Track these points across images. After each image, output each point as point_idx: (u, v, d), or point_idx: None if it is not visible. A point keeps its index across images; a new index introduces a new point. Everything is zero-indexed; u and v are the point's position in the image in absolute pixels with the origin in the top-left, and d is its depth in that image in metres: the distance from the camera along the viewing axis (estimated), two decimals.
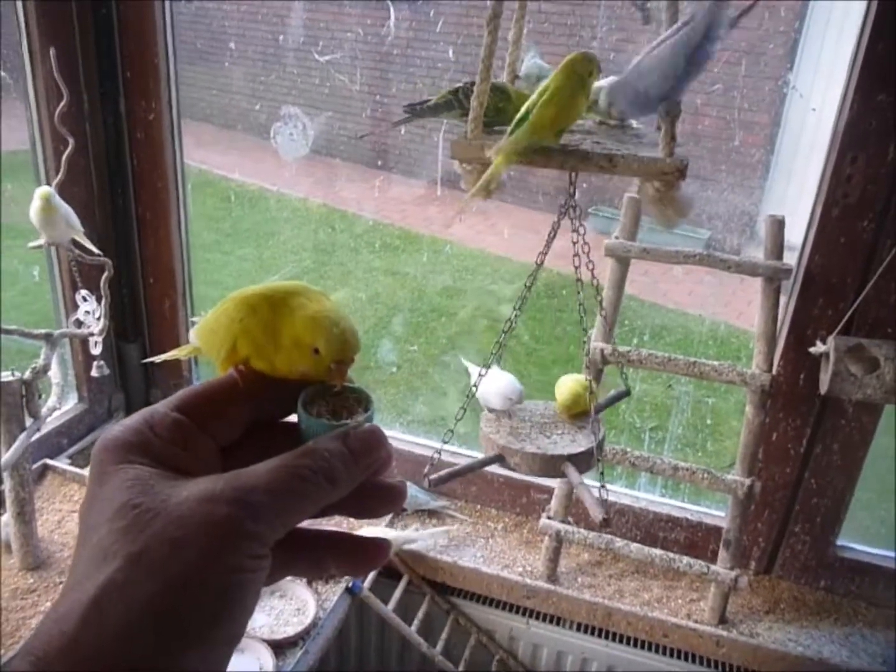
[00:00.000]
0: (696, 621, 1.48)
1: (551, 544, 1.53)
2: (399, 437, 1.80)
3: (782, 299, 1.35)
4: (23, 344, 1.39)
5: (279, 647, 1.37)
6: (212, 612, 0.32)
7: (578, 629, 1.57)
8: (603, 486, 1.02)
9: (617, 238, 1.39)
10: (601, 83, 0.97)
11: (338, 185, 3.39)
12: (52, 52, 1.31)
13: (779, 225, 1.31)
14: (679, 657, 1.51)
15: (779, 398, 1.43)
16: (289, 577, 1.48)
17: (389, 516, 1.67)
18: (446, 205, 3.05)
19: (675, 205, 0.90)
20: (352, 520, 1.50)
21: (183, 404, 0.39)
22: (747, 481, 1.37)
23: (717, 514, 1.60)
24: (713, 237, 2.20)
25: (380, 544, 0.41)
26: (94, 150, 1.64)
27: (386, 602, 1.53)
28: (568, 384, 1.16)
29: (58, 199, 1.27)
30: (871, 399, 1.27)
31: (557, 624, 1.58)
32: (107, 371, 1.47)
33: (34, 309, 2.12)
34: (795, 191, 1.39)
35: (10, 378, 1.28)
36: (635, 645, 1.53)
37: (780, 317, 1.36)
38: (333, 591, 1.48)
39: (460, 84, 0.98)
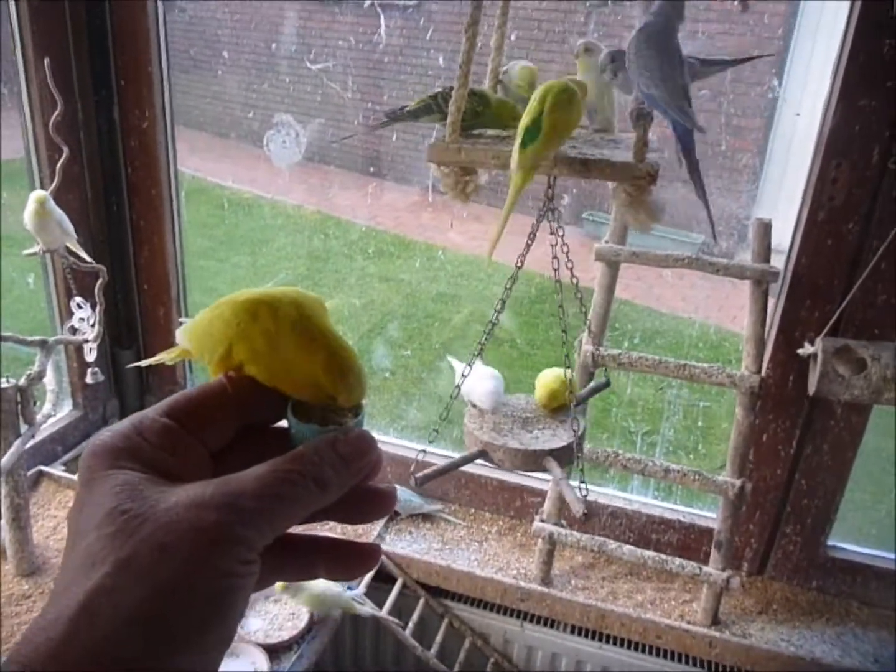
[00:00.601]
0: (688, 622, 1.49)
1: (545, 547, 1.54)
2: (393, 442, 1.81)
3: (771, 302, 1.37)
4: (18, 351, 1.39)
5: (274, 651, 1.37)
6: (201, 617, 0.32)
7: (573, 631, 1.58)
8: (582, 481, 1.04)
9: (607, 242, 1.40)
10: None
11: (331, 193, 3.40)
12: (46, 61, 1.32)
13: (766, 228, 1.32)
14: (672, 658, 1.52)
15: (768, 400, 1.45)
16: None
17: (382, 521, 1.68)
18: (439, 211, 3.06)
19: (646, 209, 0.92)
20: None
21: (172, 410, 0.39)
22: (738, 482, 1.38)
23: (709, 515, 1.61)
24: (707, 242, 2.21)
25: (371, 548, 0.42)
26: (89, 157, 1.65)
27: (380, 605, 1.53)
28: (546, 380, 1.18)
29: (52, 204, 1.28)
30: (859, 399, 1.28)
31: (552, 626, 1.59)
32: (101, 378, 1.48)
33: (29, 317, 2.12)
34: (787, 195, 1.41)
35: (6, 385, 1.28)
36: (629, 647, 1.54)
37: (768, 319, 1.37)
38: None
39: (439, 89, 1.00)
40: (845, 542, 1.56)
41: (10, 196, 1.85)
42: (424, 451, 1.10)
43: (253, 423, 0.42)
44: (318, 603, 1.40)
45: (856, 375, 1.28)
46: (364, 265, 3.34)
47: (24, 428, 1.32)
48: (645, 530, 1.64)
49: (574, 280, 1.04)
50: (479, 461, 1.13)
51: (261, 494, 0.34)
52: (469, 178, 0.96)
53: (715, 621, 1.48)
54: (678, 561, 1.44)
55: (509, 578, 1.56)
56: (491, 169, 0.95)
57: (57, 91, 1.30)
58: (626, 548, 1.47)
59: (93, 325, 1.38)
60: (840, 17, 1.22)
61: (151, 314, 1.83)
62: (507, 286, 1.04)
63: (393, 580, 1.60)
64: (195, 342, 0.47)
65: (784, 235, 1.39)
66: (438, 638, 1.58)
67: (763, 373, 1.38)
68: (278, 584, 1.33)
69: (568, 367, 1.09)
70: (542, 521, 1.53)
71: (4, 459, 1.27)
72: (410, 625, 1.55)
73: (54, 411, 1.43)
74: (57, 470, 1.69)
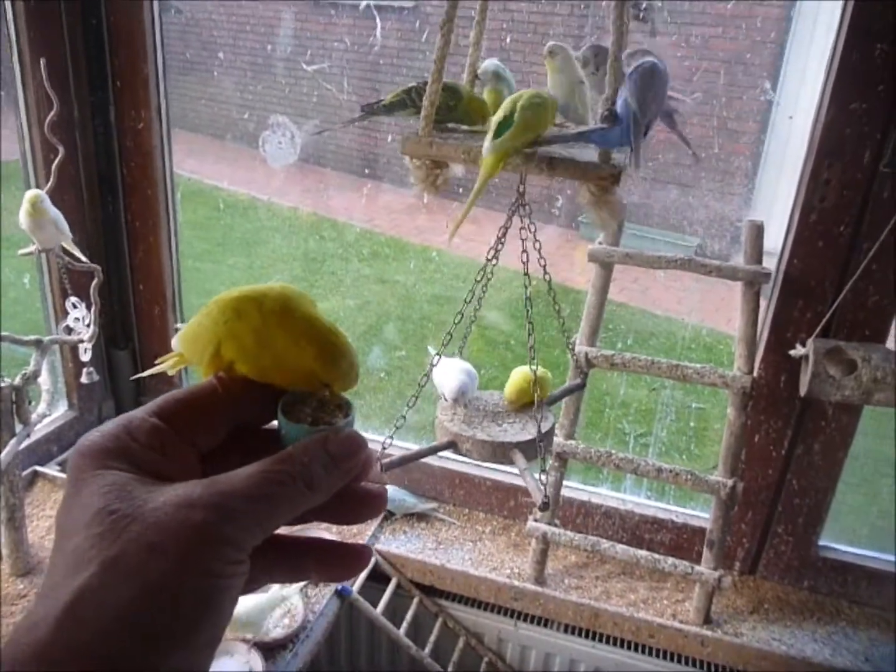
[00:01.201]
0: (681, 622, 1.50)
1: (538, 546, 1.55)
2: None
3: (763, 303, 1.38)
4: (14, 351, 1.40)
5: (268, 650, 1.38)
6: (189, 617, 0.32)
7: (566, 631, 1.58)
8: (543, 471, 1.06)
9: (600, 244, 1.41)
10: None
11: (327, 194, 3.41)
12: (42, 62, 1.32)
13: (758, 230, 1.33)
14: (665, 657, 1.52)
15: (760, 400, 1.46)
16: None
17: (377, 521, 1.69)
18: (434, 213, 3.07)
19: (609, 207, 0.93)
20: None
21: (162, 410, 0.39)
22: (730, 482, 1.39)
23: (702, 515, 1.62)
24: (701, 245, 2.23)
25: (361, 549, 0.42)
26: (84, 158, 1.66)
27: (375, 605, 1.54)
28: (515, 377, 1.20)
29: (47, 203, 1.29)
30: (850, 400, 1.29)
31: (545, 626, 1.60)
32: (96, 378, 1.48)
33: (25, 317, 2.13)
34: (782, 198, 1.42)
35: (1, 385, 1.29)
36: (622, 646, 1.55)
37: (760, 320, 1.38)
38: (323, 594, 1.49)
39: (413, 84, 1.01)
40: (837, 543, 1.57)
41: (7, 198, 1.85)
42: (391, 437, 1.12)
43: (244, 424, 0.42)
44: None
45: (846, 376, 1.29)
46: (359, 267, 3.35)
47: (19, 428, 1.32)
48: (638, 530, 1.64)
49: (546, 277, 1.06)
50: (451, 455, 1.14)
51: (250, 494, 0.34)
52: (439, 172, 0.98)
53: (707, 620, 1.49)
54: (671, 560, 1.45)
55: (503, 578, 1.57)
56: (461, 163, 0.96)
57: (53, 92, 1.30)
58: (620, 547, 1.48)
59: (88, 325, 1.38)
60: (835, 22, 1.23)
61: (147, 314, 1.83)
62: (477, 278, 1.06)
63: (387, 580, 1.61)
64: (187, 346, 0.47)
65: (779, 238, 1.40)
66: (432, 637, 1.58)
67: (755, 373, 1.39)
68: None
69: (532, 359, 1.10)
70: (536, 520, 1.53)
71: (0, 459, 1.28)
72: (404, 624, 1.56)
73: (49, 411, 1.43)
74: (52, 470, 1.69)
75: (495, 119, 0.90)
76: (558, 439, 1.47)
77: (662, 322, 2.69)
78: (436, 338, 2.93)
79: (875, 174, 1.25)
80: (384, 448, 1.11)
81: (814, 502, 1.51)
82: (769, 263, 1.39)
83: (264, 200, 3.49)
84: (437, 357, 1.12)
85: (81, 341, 1.39)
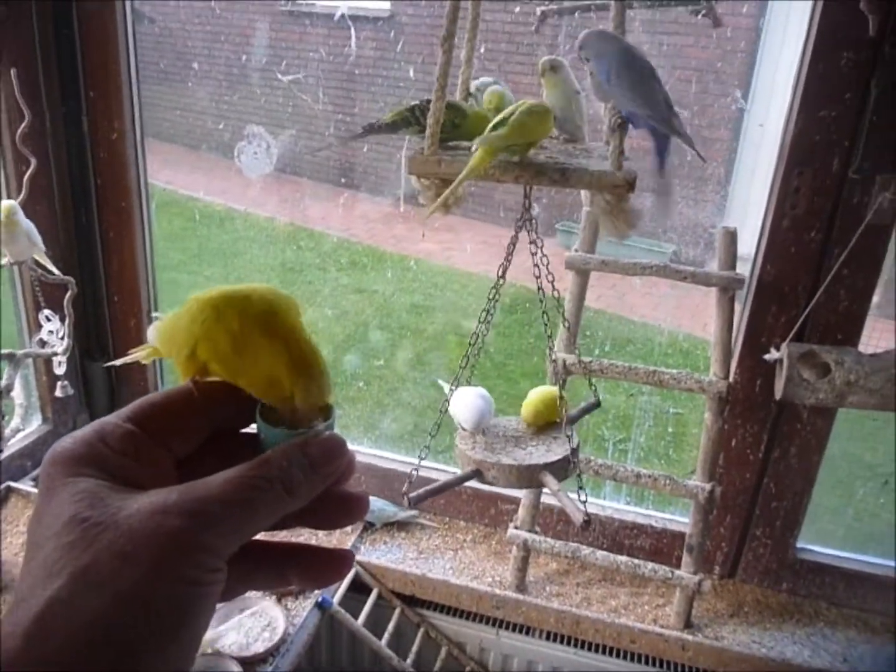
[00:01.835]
0: (662, 626, 1.50)
1: (519, 554, 1.55)
2: (368, 452, 1.81)
3: (738, 308, 1.39)
4: None
5: (249, 664, 1.36)
6: (164, 627, 0.31)
7: (548, 638, 1.58)
8: (581, 489, 1.05)
9: (577, 251, 1.42)
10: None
11: (304, 204, 3.40)
12: (13, 72, 1.31)
13: (731, 237, 1.35)
14: (646, 662, 1.53)
15: (736, 405, 1.47)
16: (258, 594, 1.48)
17: (357, 532, 1.68)
18: (411, 221, 3.07)
19: (625, 217, 0.93)
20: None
21: (137, 415, 0.38)
22: (708, 486, 1.40)
23: (681, 520, 1.63)
24: (678, 251, 2.25)
25: (343, 554, 0.41)
26: (57, 169, 1.64)
27: (356, 616, 1.53)
28: (532, 398, 1.19)
29: (20, 215, 1.27)
30: (824, 403, 1.31)
31: (527, 634, 1.59)
32: (71, 391, 1.47)
33: None
34: (756, 204, 1.44)
35: None
36: (603, 652, 1.55)
37: (735, 325, 1.40)
38: (303, 607, 1.48)
39: (416, 102, 1.01)
40: (814, 545, 1.59)
41: None
42: (417, 470, 1.10)
43: (221, 429, 0.41)
44: None
45: (820, 380, 1.30)
46: (337, 276, 3.34)
47: None
48: (618, 535, 1.65)
49: (555, 293, 1.04)
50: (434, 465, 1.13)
51: (227, 500, 0.34)
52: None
53: (688, 625, 1.50)
54: (651, 565, 1.46)
55: (484, 586, 1.57)
56: (471, 180, 0.96)
57: (24, 103, 1.29)
58: (600, 553, 1.49)
59: (62, 338, 1.37)
60: (804, 32, 1.25)
61: (122, 326, 1.82)
62: (490, 296, 1.04)
63: (368, 591, 1.60)
64: (164, 340, 0.46)
65: (753, 243, 1.41)
66: (415, 647, 1.58)
67: (731, 378, 1.40)
68: None
69: (558, 384, 1.09)
70: (517, 528, 1.54)
71: None
72: (386, 635, 1.55)
73: (23, 426, 1.41)
74: (26, 486, 1.67)
75: (494, 120, 0.90)
76: None
77: (639, 328, 2.70)
78: (415, 347, 2.93)
79: (844, 181, 1.27)
80: (410, 481, 1.09)
81: (791, 505, 1.53)
82: (744, 269, 1.40)
83: (241, 211, 3.48)
84: (455, 388, 1.10)
85: (55, 354, 1.38)
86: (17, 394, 1.37)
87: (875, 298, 1.38)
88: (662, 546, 1.63)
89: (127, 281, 1.78)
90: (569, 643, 1.57)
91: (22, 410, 1.40)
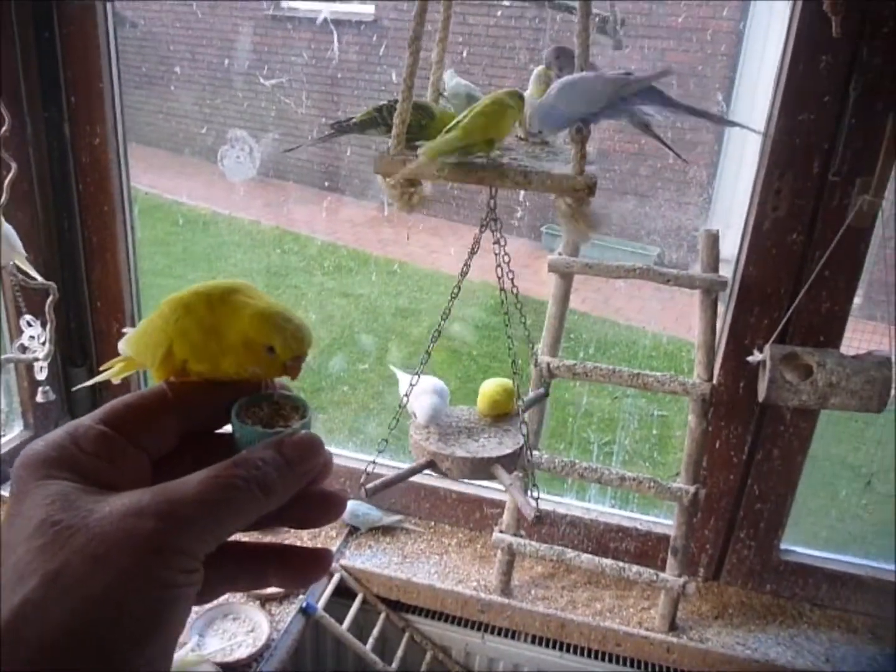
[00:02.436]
0: (647, 629, 1.50)
1: (504, 558, 1.55)
2: (352, 456, 1.81)
3: (721, 310, 1.40)
4: None
5: (232, 670, 1.35)
6: (137, 630, 0.31)
7: (533, 641, 1.58)
8: (534, 484, 1.06)
9: (560, 254, 1.42)
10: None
11: (289, 208, 3.39)
12: None
13: (713, 239, 1.35)
14: (632, 665, 1.53)
15: (720, 407, 1.48)
16: (241, 599, 1.47)
17: (342, 536, 1.68)
18: (397, 225, 3.07)
19: (586, 220, 0.94)
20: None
21: (110, 417, 0.37)
22: (692, 489, 1.41)
23: (666, 522, 1.63)
24: (662, 254, 2.26)
25: (321, 553, 0.40)
26: (39, 174, 1.63)
27: (340, 621, 1.53)
28: (487, 389, 1.20)
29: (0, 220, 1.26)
30: (807, 405, 1.32)
31: (512, 637, 1.59)
32: (53, 396, 1.46)
33: None
34: (739, 207, 1.45)
35: None
36: (589, 655, 1.55)
37: (718, 327, 1.40)
38: (287, 612, 1.48)
39: (384, 102, 1.01)
40: (798, 546, 1.60)
41: None
42: (374, 463, 1.11)
43: (197, 429, 0.41)
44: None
45: (803, 382, 1.31)
46: (323, 280, 3.34)
47: None
48: (603, 538, 1.65)
49: (514, 290, 1.06)
50: (427, 472, 1.13)
51: (201, 501, 0.33)
52: (414, 190, 0.98)
53: (672, 627, 1.50)
54: (635, 568, 1.46)
55: (469, 590, 1.57)
56: (436, 181, 0.96)
57: (5, 107, 1.28)
58: (585, 556, 1.49)
59: (43, 343, 1.36)
60: (783, 35, 1.26)
61: (105, 331, 1.80)
62: (453, 294, 1.06)
63: (353, 595, 1.60)
64: (137, 348, 0.46)
65: (737, 246, 1.42)
66: (399, 653, 1.57)
67: (714, 380, 1.41)
68: None
69: (515, 374, 1.11)
70: (502, 532, 1.53)
71: None
72: (371, 640, 1.55)
73: (4, 431, 1.40)
74: (5, 491, 1.65)
75: (451, 125, 0.91)
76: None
77: (624, 331, 2.71)
78: (399, 350, 2.92)
79: (824, 183, 1.28)
80: (368, 473, 1.10)
81: (774, 507, 1.53)
82: (728, 270, 1.41)
83: (225, 215, 3.47)
84: (417, 378, 1.11)
85: (37, 360, 1.37)
86: None
87: (857, 300, 1.39)
88: (647, 549, 1.63)
89: (110, 286, 1.76)
90: (554, 646, 1.57)
91: (2, 416, 1.39)
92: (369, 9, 2.69)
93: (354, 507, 1.69)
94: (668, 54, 2.02)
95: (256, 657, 1.38)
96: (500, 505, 1.65)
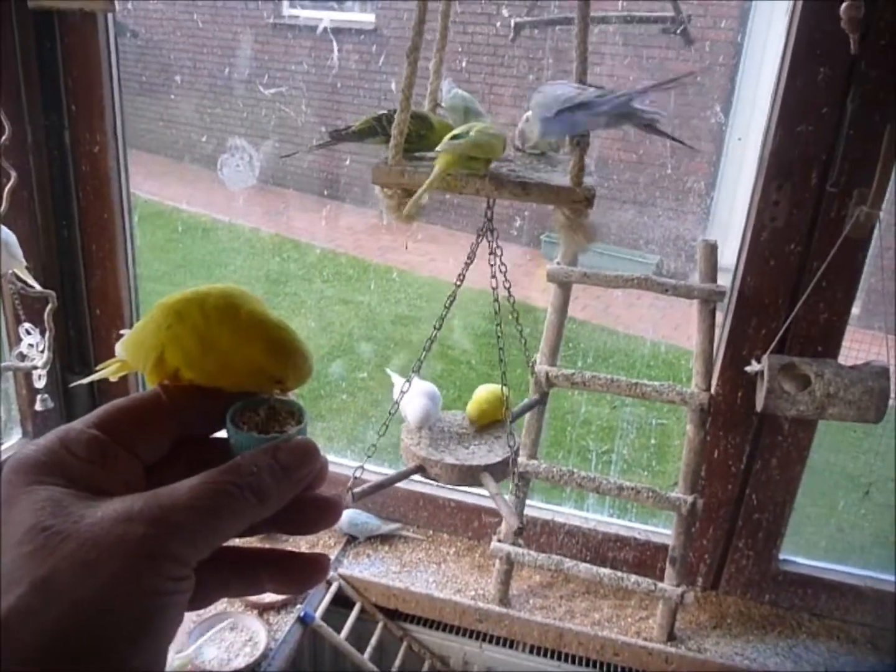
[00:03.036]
0: (645, 639, 1.50)
1: (502, 567, 1.54)
2: (351, 465, 1.80)
3: (719, 320, 1.40)
4: None
5: None
6: (127, 638, 0.30)
7: (531, 651, 1.58)
8: (518, 496, 1.07)
9: (558, 263, 1.42)
10: (527, 115, 1.03)
11: (289, 215, 3.40)
12: None
13: (711, 249, 1.36)
14: None
15: (718, 416, 1.48)
16: (239, 608, 1.47)
17: (340, 545, 1.67)
18: (396, 233, 3.08)
19: (583, 231, 0.94)
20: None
21: (102, 421, 0.37)
22: (690, 498, 1.40)
23: (664, 532, 1.63)
24: (661, 263, 2.26)
25: (318, 559, 0.40)
26: (39, 182, 1.63)
27: (338, 630, 1.52)
28: (478, 396, 1.21)
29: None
30: (804, 415, 1.32)
31: (511, 647, 1.59)
32: (51, 404, 1.46)
33: None
34: (739, 217, 1.46)
35: None
36: (587, 664, 1.55)
37: (717, 337, 1.41)
38: (285, 621, 1.48)
39: (383, 111, 1.02)
40: (796, 556, 1.59)
41: None
42: (362, 468, 1.11)
43: (191, 434, 0.40)
44: None
45: (801, 392, 1.31)
46: (322, 288, 3.35)
47: None
48: (601, 548, 1.65)
49: (511, 300, 1.07)
50: (415, 477, 1.14)
51: (194, 507, 0.33)
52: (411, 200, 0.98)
53: (671, 637, 1.50)
54: (634, 578, 1.46)
55: (468, 600, 1.56)
56: (433, 191, 0.96)
57: (5, 116, 1.29)
58: (583, 566, 1.49)
59: (42, 352, 1.36)
60: (782, 47, 1.27)
61: (104, 339, 1.80)
62: (447, 304, 1.07)
63: (351, 604, 1.59)
64: (130, 352, 0.45)
65: (736, 256, 1.42)
66: (398, 662, 1.57)
67: (712, 390, 1.41)
68: None
69: (504, 385, 1.11)
70: (500, 541, 1.53)
71: None
72: (369, 649, 1.54)
73: (2, 440, 1.40)
74: None
75: (451, 133, 0.91)
76: (521, 459, 1.47)
77: (623, 339, 2.71)
78: (399, 358, 2.92)
79: (822, 194, 1.28)
80: (355, 478, 1.10)
81: (773, 516, 1.53)
82: (727, 280, 1.41)
83: (225, 222, 3.48)
84: (408, 384, 1.12)
85: (35, 368, 1.37)
86: None
87: (855, 310, 1.39)
88: (646, 558, 1.63)
89: (109, 294, 1.77)
90: (552, 656, 1.56)
91: (1, 424, 1.39)
92: (370, 17, 2.70)
93: (353, 515, 1.69)
94: (667, 64, 2.02)
95: (254, 666, 1.38)
96: (498, 514, 1.65)
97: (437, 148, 0.89)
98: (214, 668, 1.36)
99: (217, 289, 0.42)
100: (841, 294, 1.34)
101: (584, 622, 1.53)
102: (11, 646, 0.29)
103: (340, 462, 1.81)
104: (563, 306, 1.45)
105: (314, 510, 0.39)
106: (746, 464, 1.50)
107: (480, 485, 1.10)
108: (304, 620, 1.49)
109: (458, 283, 1.06)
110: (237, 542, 0.37)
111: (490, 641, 1.60)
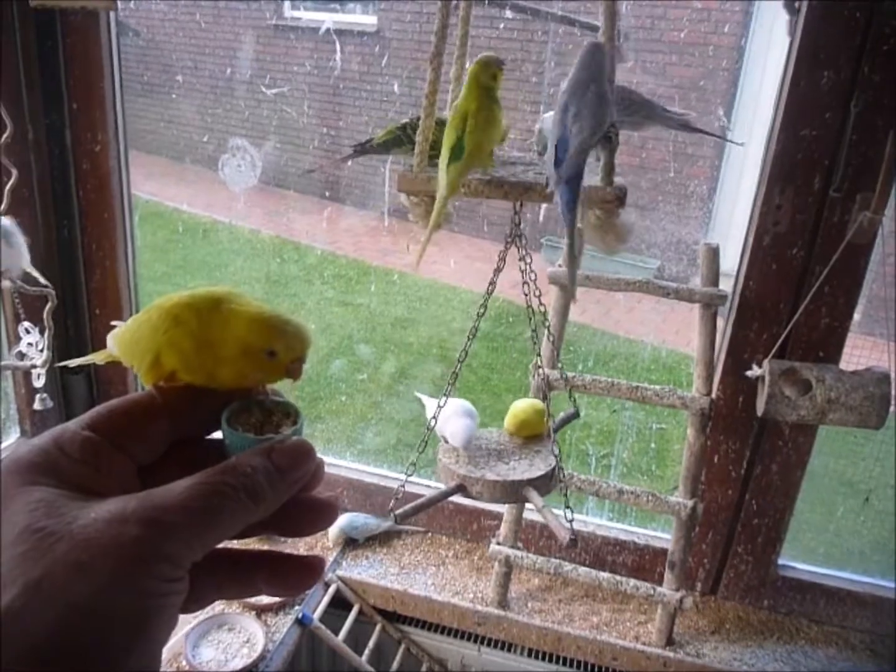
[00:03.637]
0: (644, 643, 1.50)
1: (501, 570, 1.54)
2: (350, 466, 1.80)
3: (720, 324, 1.40)
4: None
5: None
6: (121, 639, 0.30)
7: (529, 655, 1.57)
8: (568, 507, 1.05)
9: (560, 266, 1.42)
10: (545, 117, 1.01)
11: (290, 217, 3.40)
12: None
13: (713, 253, 1.35)
14: None
15: (719, 421, 1.47)
16: (236, 610, 1.46)
17: (339, 547, 1.67)
18: (397, 235, 3.08)
19: (615, 231, 0.93)
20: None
21: (96, 422, 0.37)
22: (690, 503, 1.40)
23: (663, 536, 1.63)
24: (662, 267, 2.26)
25: (312, 561, 0.39)
26: (39, 181, 1.63)
27: (336, 632, 1.52)
28: (517, 409, 1.19)
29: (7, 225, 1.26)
30: (805, 420, 1.31)
31: (509, 650, 1.58)
32: (50, 404, 1.45)
33: None
34: (740, 220, 1.46)
35: None
36: (585, 669, 1.54)
37: (718, 342, 1.40)
38: (283, 623, 1.47)
39: (406, 119, 1.00)
40: (795, 561, 1.59)
41: None
42: (403, 486, 1.09)
43: (186, 435, 0.40)
44: None
45: (802, 397, 1.31)
46: (322, 289, 3.34)
47: None
48: (600, 552, 1.65)
49: (542, 308, 1.05)
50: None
51: (188, 508, 0.33)
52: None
53: (669, 642, 1.49)
54: (633, 582, 1.45)
55: (466, 602, 1.56)
56: (461, 197, 0.95)
57: (6, 114, 1.28)
58: (582, 570, 1.48)
59: (41, 351, 1.35)
60: (785, 51, 1.27)
61: (103, 339, 1.77)
62: (479, 313, 1.04)
63: (349, 606, 1.59)
64: (124, 350, 0.45)
65: (737, 260, 1.42)
66: (395, 664, 1.56)
67: (713, 394, 1.41)
68: None
69: (545, 398, 1.09)
70: (499, 543, 1.53)
71: None
72: (367, 651, 1.54)
73: (1, 438, 1.39)
74: None
75: (447, 145, 0.90)
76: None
77: (624, 343, 2.71)
78: (399, 361, 2.92)
79: (825, 199, 1.28)
80: (398, 497, 1.08)
81: (772, 522, 1.53)
82: (728, 284, 1.41)
83: (225, 223, 3.47)
84: (445, 400, 1.09)
85: (34, 367, 1.36)
86: None
87: (856, 316, 1.39)
88: (645, 562, 1.63)
89: (109, 293, 1.76)
90: (550, 660, 1.56)
91: (0, 423, 1.38)
92: (372, 19, 2.70)
93: (351, 518, 1.68)
94: (669, 69, 2.02)
95: (252, 668, 1.37)
96: (497, 517, 1.65)
97: (440, 175, 0.88)
98: (212, 670, 1.35)
99: (211, 289, 0.42)
100: (843, 299, 1.34)
101: (583, 626, 1.53)
102: (6, 647, 0.28)
103: (340, 463, 1.81)
104: (564, 309, 1.45)
105: (310, 512, 0.39)
106: (746, 469, 1.50)
107: (525, 500, 1.08)
108: (302, 622, 1.48)
109: (489, 292, 1.03)
110: (232, 543, 0.36)
111: (488, 644, 1.59)
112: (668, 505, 1.41)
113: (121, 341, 0.46)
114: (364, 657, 1.52)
